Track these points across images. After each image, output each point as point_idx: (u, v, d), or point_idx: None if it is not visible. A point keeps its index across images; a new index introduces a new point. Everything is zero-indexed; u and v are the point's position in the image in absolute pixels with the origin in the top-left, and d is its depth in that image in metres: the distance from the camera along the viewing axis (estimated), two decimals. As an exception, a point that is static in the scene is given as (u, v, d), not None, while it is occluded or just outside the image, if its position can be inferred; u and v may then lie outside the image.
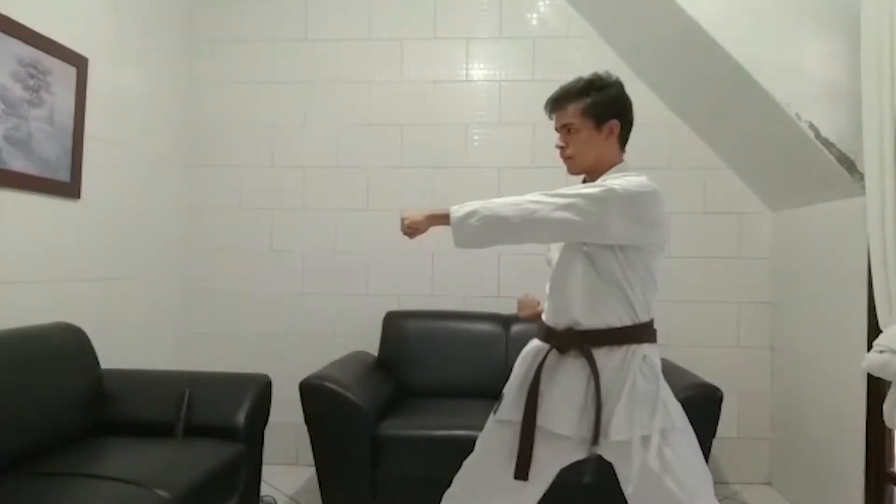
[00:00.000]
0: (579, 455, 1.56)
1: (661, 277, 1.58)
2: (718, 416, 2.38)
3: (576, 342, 1.54)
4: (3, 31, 2.07)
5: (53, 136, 2.33)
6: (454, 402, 2.76)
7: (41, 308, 2.27)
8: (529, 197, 1.47)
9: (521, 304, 1.84)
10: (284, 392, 2.56)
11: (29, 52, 2.19)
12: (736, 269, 3.15)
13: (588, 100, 1.59)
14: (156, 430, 2.14)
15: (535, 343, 1.69)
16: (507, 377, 2.95)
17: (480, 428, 1.78)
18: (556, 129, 1.63)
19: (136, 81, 2.91)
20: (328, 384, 2.37)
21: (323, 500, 2.47)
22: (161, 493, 1.66)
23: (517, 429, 1.54)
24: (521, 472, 1.51)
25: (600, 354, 1.51)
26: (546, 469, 1.58)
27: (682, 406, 2.41)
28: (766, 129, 2.62)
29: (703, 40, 2.48)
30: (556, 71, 3.22)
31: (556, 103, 1.63)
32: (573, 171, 1.64)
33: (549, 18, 3.26)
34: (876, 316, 2.05)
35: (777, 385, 3.06)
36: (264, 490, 2.61)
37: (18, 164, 2.16)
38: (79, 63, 2.44)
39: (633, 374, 1.50)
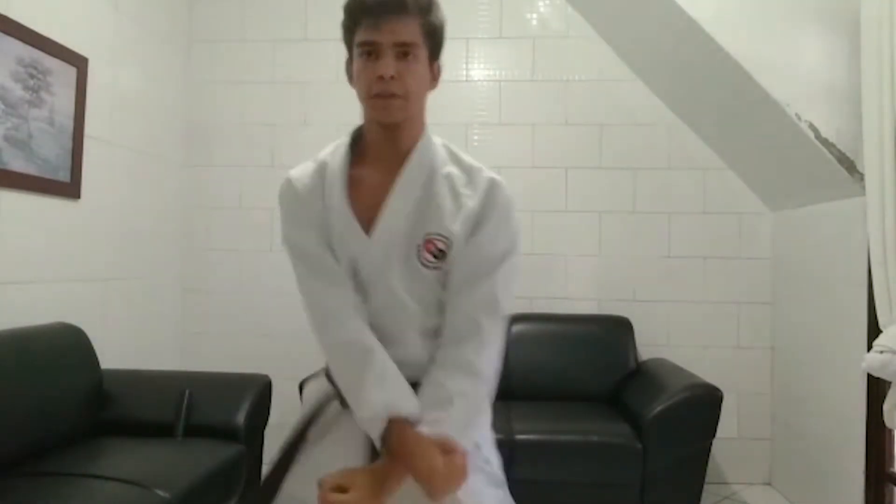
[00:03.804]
0: None
1: None
2: (718, 416, 2.38)
3: None
4: (3, 31, 2.07)
5: (53, 136, 2.32)
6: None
7: (41, 308, 2.26)
8: (472, 397, 1.08)
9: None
10: (284, 392, 2.56)
11: (29, 52, 2.19)
12: (736, 269, 3.15)
13: (430, 18, 1.10)
14: (156, 430, 2.14)
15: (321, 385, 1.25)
16: (507, 378, 2.96)
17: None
18: (371, 46, 1.07)
19: (136, 81, 2.91)
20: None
21: (323, 500, 2.47)
22: (161, 493, 1.66)
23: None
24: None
25: None
26: None
27: (682, 406, 2.44)
28: (766, 129, 2.62)
29: (703, 40, 2.48)
30: (556, 71, 3.24)
31: (398, 6, 1.06)
32: (395, 117, 1.09)
33: (549, 18, 3.26)
34: (876, 316, 2.05)
35: (777, 385, 3.06)
36: (264, 490, 2.61)
37: (18, 164, 2.16)
38: (79, 63, 2.44)
39: None
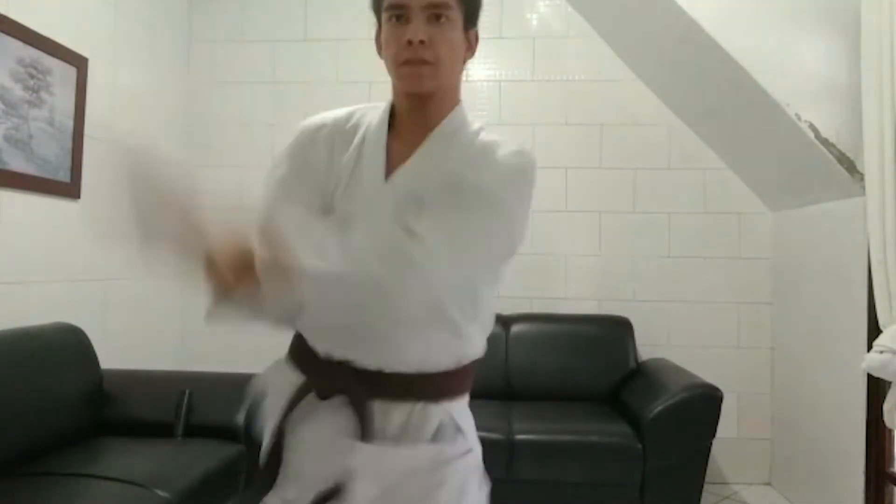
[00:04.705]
0: None
1: None
2: (718, 416, 2.38)
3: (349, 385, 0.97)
4: (3, 31, 2.07)
5: (53, 136, 2.32)
6: (454, 402, 2.76)
7: (41, 308, 2.26)
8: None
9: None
10: (284, 392, 2.56)
11: (29, 52, 2.19)
12: (736, 269, 3.15)
13: None
14: (156, 431, 2.14)
15: (281, 375, 1.08)
16: (507, 378, 2.97)
17: (478, 427, 1.77)
18: (399, 9, 0.97)
19: (136, 81, 2.91)
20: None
21: (323, 500, 2.47)
22: (161, 493, 1.67)
23: None
24: None
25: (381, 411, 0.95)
26: None
27: (682, 406, 2.44)
28: (766, 129, 2.61)
29: (703, 40, 2.48)
30: (556, 71, 3.24)
31: None
32: (425, 87, 1.00)
33: (549, 18, 3.26)
34: (876, 316, 2.05)
35: (777, 385, 3.06)
36: (264, 490, 2.61)
37: (18, 164, 2.16)
38: (79, 63, 2.44)
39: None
